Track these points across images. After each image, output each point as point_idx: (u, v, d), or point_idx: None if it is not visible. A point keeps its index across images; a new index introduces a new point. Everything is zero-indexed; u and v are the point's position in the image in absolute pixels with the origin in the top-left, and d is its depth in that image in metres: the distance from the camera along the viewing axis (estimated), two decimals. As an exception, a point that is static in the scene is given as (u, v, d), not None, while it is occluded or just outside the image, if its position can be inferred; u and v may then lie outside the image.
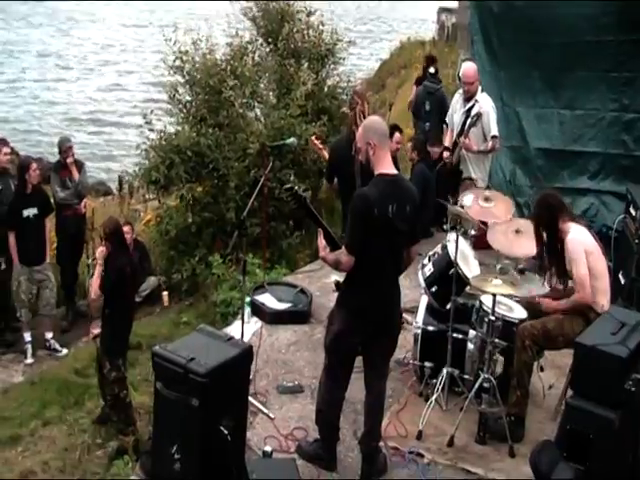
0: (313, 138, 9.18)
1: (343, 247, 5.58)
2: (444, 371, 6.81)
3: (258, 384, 7.28)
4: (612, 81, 10.01)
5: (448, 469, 6.19)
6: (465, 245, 7.33)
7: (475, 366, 6.87)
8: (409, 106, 14.49)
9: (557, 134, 10.71)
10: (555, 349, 6.72)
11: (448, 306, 6.89)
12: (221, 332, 5.80)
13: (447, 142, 10.29)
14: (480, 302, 6.84)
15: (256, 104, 12.96)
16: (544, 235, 6.59)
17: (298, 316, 8.67)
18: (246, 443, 5.75)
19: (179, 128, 12.14)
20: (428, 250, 7.45)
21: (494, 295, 6.33)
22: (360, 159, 5.86)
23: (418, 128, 13.25)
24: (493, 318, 6.39)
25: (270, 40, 13.56)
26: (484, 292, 6.55)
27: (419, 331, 7.12)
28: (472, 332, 6.91)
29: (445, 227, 9.45)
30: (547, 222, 6.53)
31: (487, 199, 7.49)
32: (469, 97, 9.84)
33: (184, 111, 12.39)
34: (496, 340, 6.47)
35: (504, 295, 6.63)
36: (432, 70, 13.40)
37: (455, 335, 6.84)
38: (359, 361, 5.98)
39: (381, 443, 6.19)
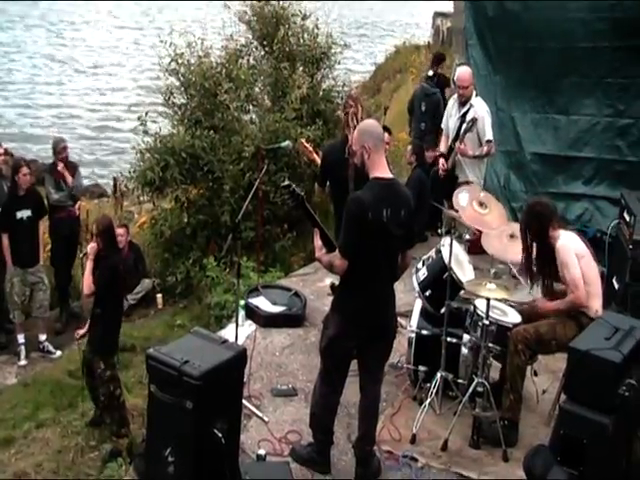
0: (303, 141, 9.18)
1: (337, 250, 5.58)
2: (438, 375, 6.81)
3: (252, 387, 7.27)
4: (607, 87, 10.04)
5: (442, 473, 6.19)
6: (459, 249, 7.34)
7: (469, 370, 6.88)
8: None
9: (552, 139, 10.73)
10: (548, 353, 6.74)
11: (442, 310, 6.89)
12: (215, 335, 5.78)
13: (442, 148, 10.30)
14: (474, 306, 6.84)
15: (251, 107, 12.98)
16: (534, 245, 6.61)
17: (292, 319, 8.66)
18: (240, 446, 5.74)
19: (174, 130, 12.14)
20: (422, 254, 7.46)
21: (488, 299, 6.33)
22: (355, 162, 5.84)
23: (413, 128, 13.52)
24: (487, 322, 6.40)
25: (265, 43, 13.55)
26: (478, 296, 6.56)
27: (413, 335, 7.12)
28: (466, 336, 6.91)
29: (440, 231, 9.48)
30: (537, 232, 6.54)
31: (482, 204, 7.49)
32: (464, 101, 9.85)
33: (179, 114, 12.40)
34: (490, 344, 6.48)
35: (498, 299, 6.63)
36: (430, 73, 13.63)
37: (449, 339, 6.84)
38: (354, 364, 5.98)
39: (375, 447, 6.19)
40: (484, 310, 6.42)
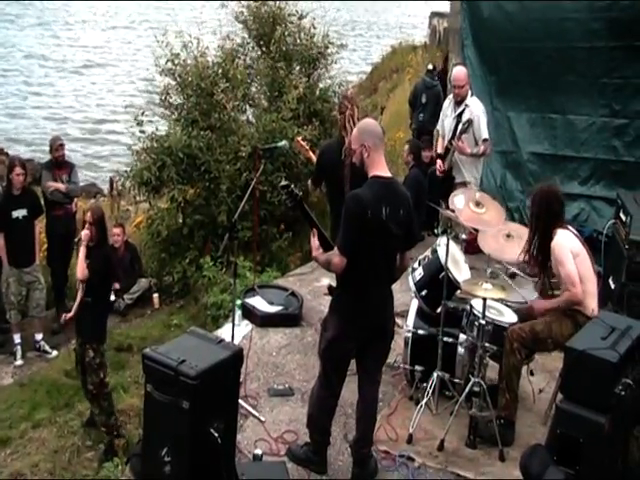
0: (299, 139, 9.20)
1: (335, 248, 5.58)
2: (434, 375, 6.81)
3: (248, 387, 7.27)
4: (603, 87, 10.04)
5: (438, 473, 6.18)
6: (456, 249, 7.34)
7: (465, 370, 6.88)
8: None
9: (548, 139, 10.74)
10: (544, 351, 6.74)
11: (438, 310, 6.89)
12: (212, 335, 5.78)
13: (439, 149, 10.30)
14: (470, 306, 6.84)
15: (248, 107, 13.01)
16: (536, 237, 6.60)
17: (289, 319, 8.66)
18: (236, 446, 5.76)
19: (170, 130, 12.14)
20: (418, 254, 7.46)
21: (484, 299, 6.34)
22: (353, 161, 5.84)
23: (414, 119, 14.39)
24: (483, 322, 6.40)
25: (262, 43, 13.56)
26: (474, 296, 6.56)
27: (409, 335, 7.12)
28: (462, 336, 6.90)
29: (436, 231, 9.47)
30: (543, 225, 6.53)
31: (478, 204, 7.48)
32: (459, 101, 9.84)
33: (175, 114, 12.40)
34: (486, 344, 6.48)
35: (494, 299, 6.63)
36: (430, 67, 14.37)
37: (445, 339, 6.83)
38: (352, 364, 5.98)
39: (372, 448, 6.19)
40: (480, 310, 6.42)
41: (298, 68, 13.18)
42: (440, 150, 10.22)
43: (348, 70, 15.57)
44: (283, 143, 9.51)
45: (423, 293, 7.07)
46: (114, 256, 11.80)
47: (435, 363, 6.82)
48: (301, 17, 13.72)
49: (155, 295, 12.11)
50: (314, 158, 8.33)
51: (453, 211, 7.40)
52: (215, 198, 11.71)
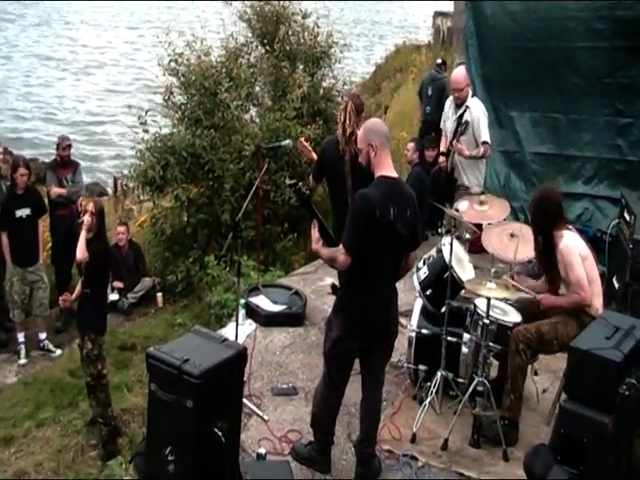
0: (302, 140, 9.20)
1: (340, 245, 5.55)
2: (438, 374, 6.80)
3: (252, 386, 7.27)
4: (606, 87, 10.02)
5: (442, 472, 6.18)
6: (460, 248, 7.33)
7: (469, 369, 6.88)
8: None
9: (551, 139, 10.73)
10: (550, 353, 6.72)
11: (443, 309, 6.88)
12: (215, 334, 5.78)
13: (443, 147, 10.26)
14: (474, 305, 6.84)
15: (251, 106, 13.01)
16: (539, 238, 6.60)
17: (293, 318, 8.66)
18: (240, 445, 5.75)
19: (174, 130, 12.15)
20: (423, 253, 7.45)
21: (488, 298, 6.33)
22: (360, 161, 5.82)
23: (421, 111, 14.78)
24: (487, 322, 6.39)
25: (265, 42, 13.57)
26: (478, 295, 6.55)
27: (413, 334, 7.12)
28: (466, 335, 6.90)
29: (440, 230, 9.46)
30: (541, 229, 6.53)
31: (482, 203, 7.48)
32: (459, 104, 9.76)
33: (179, 113, 12.40)
34: (490, 343, 6.47)
35: (498, 299, 6.63)
36: (439, 61, 14.94)
37: (449, 338, 6.83)
38: (356, 363, 5.97)
39: (376, 447, 6.18)
40: (484, 309, 6.41)
41: (302, 67, 13.19)
42: (443, 149, 10.18)
43: (351, 70, 15.57)
44: (287, 142, 9.51)
45: (427, 292, 7.06)
46: (118, 255, 11.88)
47: (439, 362, 6.81)
48: (305, 16, 13.72)
49: (159, 294, 12.12)
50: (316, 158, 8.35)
51: (457, 210, 7.40)
52: (219, 197, 11.71)
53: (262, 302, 8.78)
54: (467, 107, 9.61)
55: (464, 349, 6.91)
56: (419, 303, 7.25)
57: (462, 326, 6.97)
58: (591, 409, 4.90)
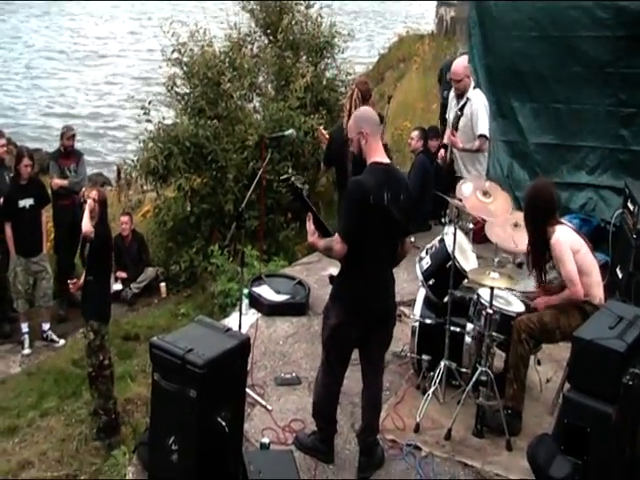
0: (320, 128, 9.15)
1: (336, 234, 5.56)
2: (442, 364, 6.80)
3: (256, 376, 7.27)
4: (608, 77, 9.96)
5: (445, 462, 6.18)
6: (463, 238, 7.32)
7: (472, 359, 6.87)
8: None
9: (553, 129, 10.68)
10: (552, 342, 6.72)
11: (446, 299, 6.88)
12: (219, 323, 5.79)
13: (445, 139, 10.23)
14: (478, 295, 6.83)
15: (255, 96, 13.00)
16: (532, 234, 6.60)
17: (296, 308, 8.65)
18: (244, 435, 5.77)
19: (177, 120, 12.14)
20: (426, 243, 7.45)
21: (492, 288, 6.33)
22: (352, 149, 5.85)
23: (439, 94, 14.16)
24: (491, 311, 6.39)
25: (269, 32, 13.57)
26: (482, 285, 6.54)
27: (416, 324, 7.10)
28: (470, 325, 6.89)
29: (443, 220, 9.45)
30: (534, 225, 6.53)
31: (486, 193, 7.47)
32: (460, 94, 9.70)
33: (182, 103, 12.40)
34: (493, 333, 6.47)
35: (501, 288, 6.62)
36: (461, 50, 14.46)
37: (453, 328, 6.82)
38: (356, 353, 5.97)
39: (379, 436, 6.19)
40: (488, 299, 6.41)
41: (305, 57, 13.17)
42: (446, 140, 10.15)
43: (353, 60, 15.53)
44: (290, 132, 9.49)
45: (430, 282, 7.06)
46: (121, 245, 11.90)
47: (442, 352, 6.81)
48: (308, 6, 13.70)
49: (162, 284, 12.14)
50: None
51: (460, 200, 7.39)
52: (222, 187, 11.72)
53: (265, 292, 8.77)
54: (468, 99, 9.55)
55: (467, 339, 6.89)
56: (422, 293, 7.24)
57: (465, 316, 6.96)
58: (595, 399, 4.90)
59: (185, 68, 12.22)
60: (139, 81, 32.23)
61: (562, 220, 6.66)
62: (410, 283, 8.10)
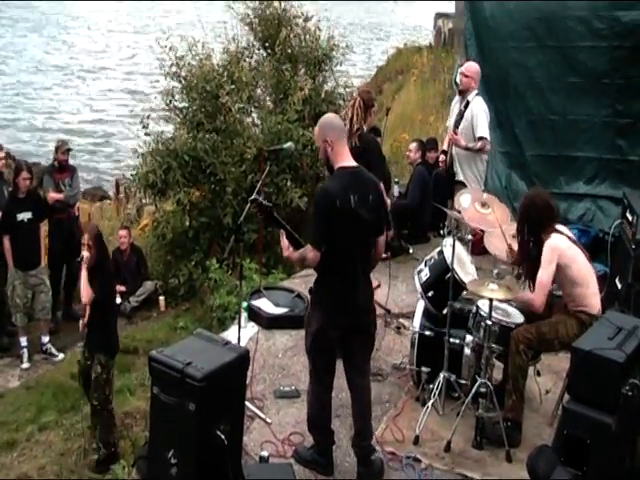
0: None
1: (308, 244, 5.65)
2: (441, 376, 6.79)
3: (255, 389, 7.27)
4: (605, 87, 9.97)
5: (445, 474, 6.17)
6: (462, 250, 7.32)
7: (472, 371, 6.86)
8: None
9: (550, 140, 10.68)
10: (551, 352, 6.72)
11: (445, 311, 6.87)
12: (218, 337, 5.78)
13: (445, 146, 10.23)
14: (477, 307, 6.83)
15: (253, 109, 13.02)
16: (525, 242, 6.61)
17: (295, 321, 8.62)
18: (243, 448, 5.75)
19: (176, 133, 12.16)
20: (425, 255, 7.45)
21: (491, 300, 6.32)
22: (320, 157, 5.92)
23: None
24: (490, 323, 6.38)
25: (267, 45, 13.59)
26: (481, 297, 6.55)
27: (416, 336, 7.10)
28: (469, 337, 6.89)
29: (442, 232, 9.45)
30: (528, 235, 6.55)
31: (484, 204, 7.46)
32: (462, 90, 9.70)
33: (180, 116, 12.42)
34: (493, 345, 6.46)
35: (500, 300, 6.62)
36: None
37: (452, 340, 6.82)
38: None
39: (378, 448, 6.18)
40: (487, 310, 6.41)
41: (303, 70, 13.18)
42: (446, 147, 10.13)
43: (351, 72, 15.58)
44: (288, 145, 9.50)
45: (429, 294, 7.05)
46: (120, 259, 11.89)
47: (441, 364, 6.80)
48: (306, 19, 13.73)
49: (161, 297, 12.14)
50: None
51: (459, 212, 7.39)
52: (221, 200, 11.73)
53: (264, 305, 8.77)
54: (468, 102, 9.57)
55: (466, 350, 6.89)
56: (421, 305, 7.24)
57: (464, 327, 6.96)
58: (594, 410, 4.90)
59: (183, 82, 12.24)
60: (136, 95, 32.23)
61: (560, 228, 6.64)
62: (409, 295, 8.10)
